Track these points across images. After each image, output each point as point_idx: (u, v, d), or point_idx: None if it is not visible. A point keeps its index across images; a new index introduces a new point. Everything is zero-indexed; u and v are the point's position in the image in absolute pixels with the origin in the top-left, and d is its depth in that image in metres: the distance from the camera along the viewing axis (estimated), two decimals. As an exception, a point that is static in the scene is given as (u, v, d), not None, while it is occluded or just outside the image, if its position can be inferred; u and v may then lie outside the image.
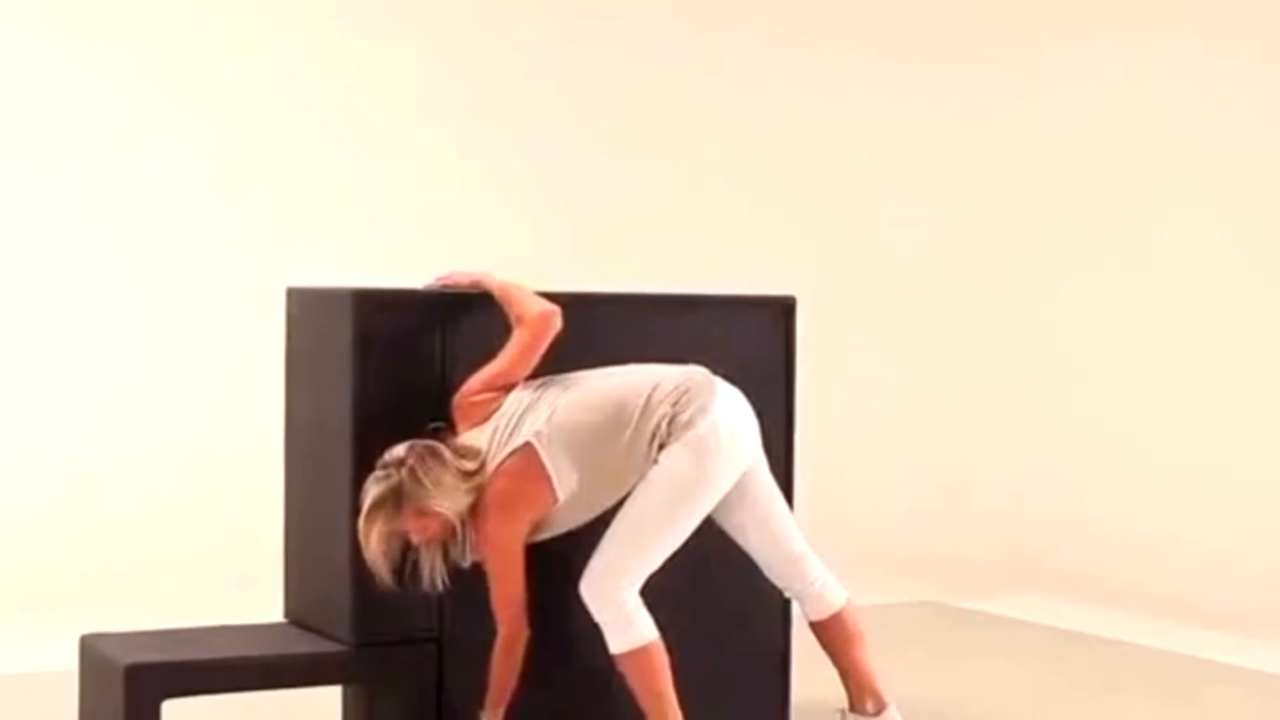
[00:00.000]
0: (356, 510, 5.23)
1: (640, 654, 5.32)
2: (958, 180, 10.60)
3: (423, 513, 5.18)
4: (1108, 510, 9.67)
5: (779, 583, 5.76)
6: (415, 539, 5.27)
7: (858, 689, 5.74)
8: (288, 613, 5.91)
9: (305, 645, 5.59)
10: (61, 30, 9.05)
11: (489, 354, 5.46)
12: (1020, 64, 10.36)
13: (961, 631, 8.49)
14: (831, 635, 5.73)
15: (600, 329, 5.76)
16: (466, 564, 5.34)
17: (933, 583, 9.50)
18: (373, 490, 5.18)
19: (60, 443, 9.02)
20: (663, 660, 5.35)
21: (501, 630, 5.34)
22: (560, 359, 5.51)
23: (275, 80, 9.50)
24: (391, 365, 5.50)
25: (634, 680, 5.35)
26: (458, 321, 5.60)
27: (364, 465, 5.28)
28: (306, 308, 5.82)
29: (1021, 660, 7.80)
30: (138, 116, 9.20)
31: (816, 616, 5.73)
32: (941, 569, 9.75)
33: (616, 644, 5.33)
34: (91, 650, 5.55)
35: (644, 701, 5.36)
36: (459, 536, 5.29)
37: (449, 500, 5.20)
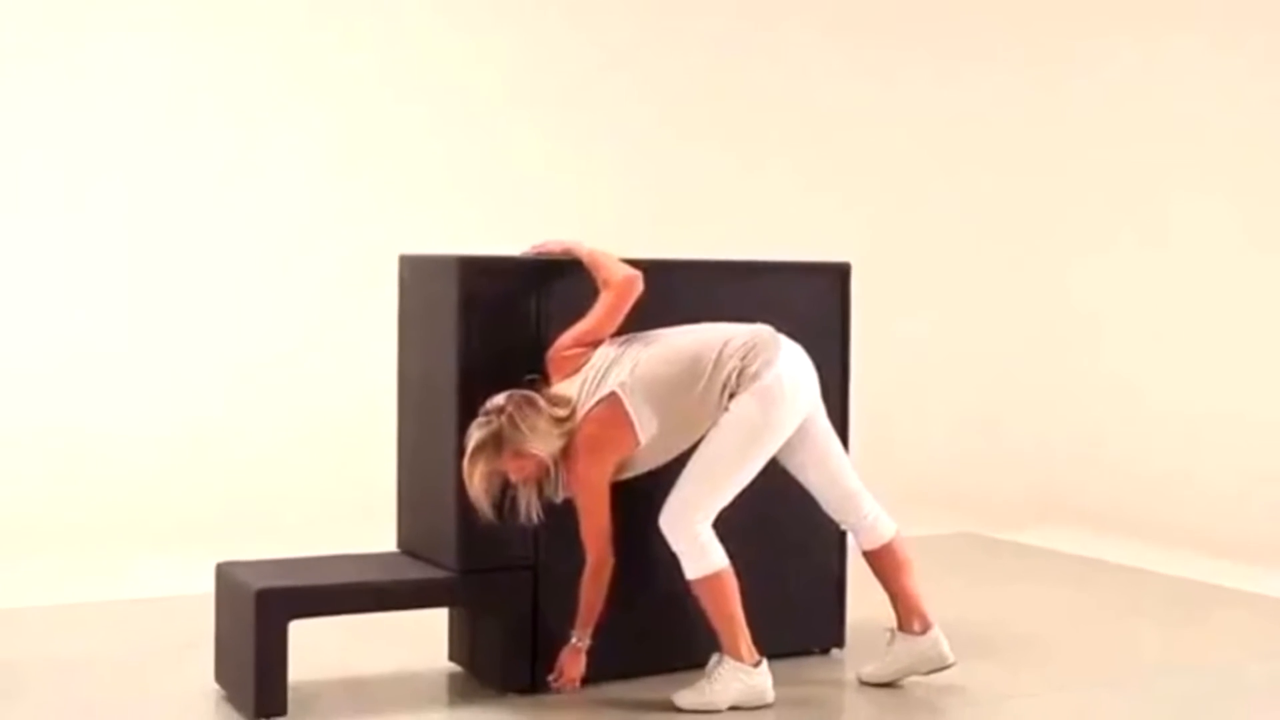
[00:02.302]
0: (461, 453, 5.21)
1: (713, 580, 5.29)
2: (992, 162, 10.53)
3: (520, 454, 5.15)
4: (1126, 451, 9.63)
5: (835, 516, 5.72)
6: (513, 478, 5.23)
7: (906, 611, 5.70)
8: (400, 543, 5.86)
9: (415, 572, 5.54)
10: (205, 31, 9.05)
11: (579, 313, 5.41)
12: (1047, 60, 10.28)
13: (997, 560, 8.41)
14: (882, 563, 5.70)
15: (677, 291, 5.69)
16: (559, 500, 5.31)
17: (971, 516, 9.44)
18: (475, 435, 5.16)
19: (199, 395, 9.02)
20: (733, 585, 5.32)
21: (590, 559, 5.32)
22: (642, 318, 5.46)
23: (389, 71, 9.48)
24: (492, 324, 5.44)
25: (707, 603, 5.33)
26: (551, 285, 5.53)
27: (468, 413, 5.26)
28: (416, 273, 5.76)
29: (1051, 585, 7.72)
30: (268, 104, 9.21)
31: (869, 546, 5.69)
32: (979, 504, 9.70)
33: (692, 571, 5.30)
34: (226, 577, 5.52)
35: (716, 622, 5.34)
36: (552, 476, 5.26)
37: (543, 443, 5.17)
